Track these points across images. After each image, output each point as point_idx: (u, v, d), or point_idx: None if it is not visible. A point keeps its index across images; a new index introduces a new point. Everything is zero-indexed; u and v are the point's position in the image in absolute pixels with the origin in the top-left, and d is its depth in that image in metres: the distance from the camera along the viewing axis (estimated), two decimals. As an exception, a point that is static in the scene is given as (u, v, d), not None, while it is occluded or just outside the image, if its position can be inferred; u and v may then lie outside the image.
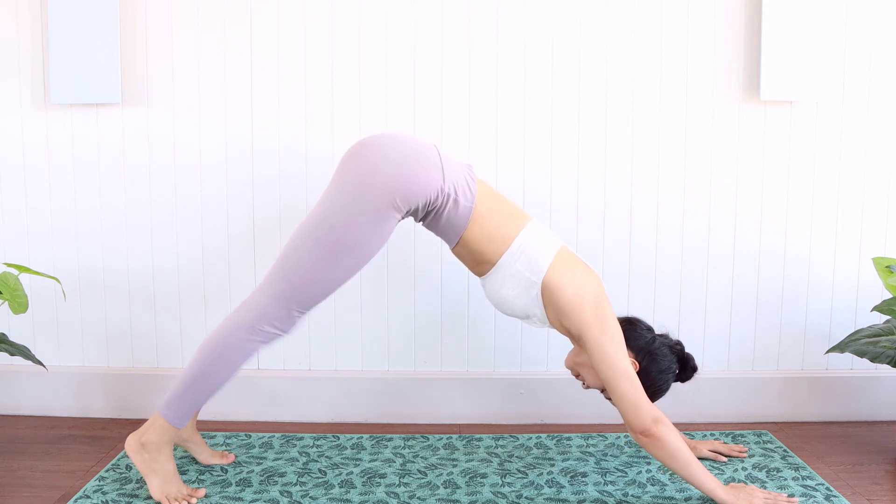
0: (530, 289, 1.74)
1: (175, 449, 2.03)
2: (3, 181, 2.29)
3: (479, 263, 1.79)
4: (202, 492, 1.77)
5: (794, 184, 2.28)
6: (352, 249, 1.65)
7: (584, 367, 1.83)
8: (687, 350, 1.91)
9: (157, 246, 2.29)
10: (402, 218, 1.72)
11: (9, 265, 1.98)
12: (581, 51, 2.23)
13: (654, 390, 1.81)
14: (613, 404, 1.75)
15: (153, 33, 2.23)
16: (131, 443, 1.74)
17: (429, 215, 1.75)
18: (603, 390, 1.83)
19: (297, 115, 2.25)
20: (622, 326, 1.80)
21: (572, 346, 1.89)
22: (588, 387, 1.85)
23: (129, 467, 1.93)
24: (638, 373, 1.77)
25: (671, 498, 1.79)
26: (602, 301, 1.73)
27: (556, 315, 1.75)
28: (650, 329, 1.86)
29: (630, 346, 1.80)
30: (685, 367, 1.86)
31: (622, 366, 1.68)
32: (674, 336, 1.92)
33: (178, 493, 1.74)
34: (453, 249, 1.81)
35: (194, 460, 1.96)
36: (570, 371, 1.88)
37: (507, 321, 2.29)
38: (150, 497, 1.76)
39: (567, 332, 1.78)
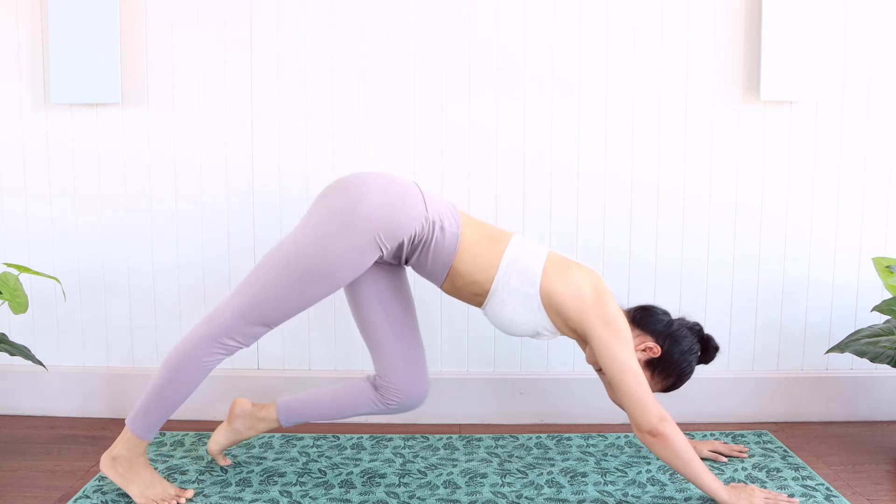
0: (530, 301, 1.73)
1: (177, 449, 2.03)
2: (3, 181, 2.29)
3: (474, 294, 1.78)
4: (190, 492, 1.77)
5: (794, 184, 2.28)
6: (324, 279, 1.66)
7: None
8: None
9: (157, 245, 2.29)
10: (383, 256, 1.71)
11: (9, 265, 1.98)
12: (581, 51, 2.23)
13: (680, 373, 1.80)
14: (620, 405, 1.75)
15: (153, 33, 2.23)
16: (104, 461, 1.75)
17: (416, 250, 1.73)
18: None
19: (296, 114, 2.25)
20: (638, 314, 1.81)
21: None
22: None
23: (129, 467, 1.93)
24: (660, 357, 1.77)
25: (671, 498, 1.79)
26: (603, 296, 1.71)
27: (562, 320, 1.74)
28: (666, 313, 1.84)
29: (648, 331, 1.79)
30: (707, 348, 1.84)
31: (629, 363, 1.67)
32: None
33: (164, 493, 1.73)
34: (443, 286, 1.79)
35: (193, 460, 1.96)
36: (592, 367, 1.87)
37: (507, 321, 2.29)
38: (149, 497, 1.77)
39: (574, 334, 1.77)
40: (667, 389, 1.83)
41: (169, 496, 1.73)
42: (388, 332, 1.83)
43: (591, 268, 1.79)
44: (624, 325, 1.71)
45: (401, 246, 1.70)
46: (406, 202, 1.68)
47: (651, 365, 1.78)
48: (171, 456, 2.00)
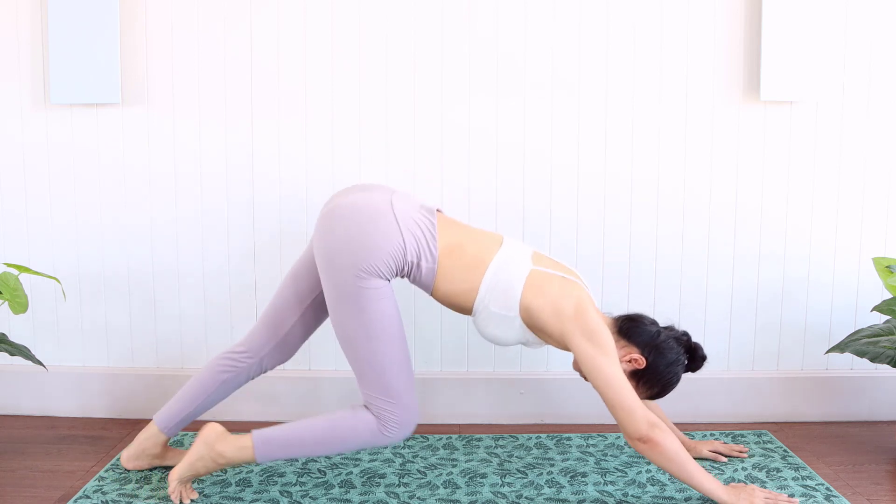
0: (512, 322, 1.75)
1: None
2: (3, 181, 2.29)
3: (459, 309, 1.82)
4: (194, 493, 1.77)
5: (794, 184, 2.28)
6: (379, 327, 1.69)
7: None
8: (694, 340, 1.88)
9: (157, 246, 2.29)
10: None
11: (9, 265, 1.98)
12: (581, 51, 2.23)
13: (665, 384, 1.79)
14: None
15: (153, 33, 2.23)
16: (210, 434, 1.73)
17: (399, 277, 1.78)
18: None
19: (296, 115, 2.25)
20: (625, 325, 1.79)
21: None
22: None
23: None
24: (645, 368, 1.76)
25: (671, 498, 1.79)
26: (584, 309, 1.71)
27: (545, 334, 1.76)
28: (654, 323, 1.83)
29: (634, 341, 1.78)
30: (694, 358, 1.83)
31: (612, 372, 1.67)
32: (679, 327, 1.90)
33: (183, 488, 1.76)
34: (433, 296, 1.83)
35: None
36: (577, 373, 1.87)
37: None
38: (150, 497, 1.77)
39: (559, 345, 1.78)
40: (652, 398, 1.83)
41: (180, 494, 1.75)
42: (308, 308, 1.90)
43: (573, 278, 1.78)
44: (606, 336, 1.70)
45: (389, 272, 1.73)
46: (380, 241, 1.69)
47: (636, 376, 1.77)
48: (171, 456, 2.00)
